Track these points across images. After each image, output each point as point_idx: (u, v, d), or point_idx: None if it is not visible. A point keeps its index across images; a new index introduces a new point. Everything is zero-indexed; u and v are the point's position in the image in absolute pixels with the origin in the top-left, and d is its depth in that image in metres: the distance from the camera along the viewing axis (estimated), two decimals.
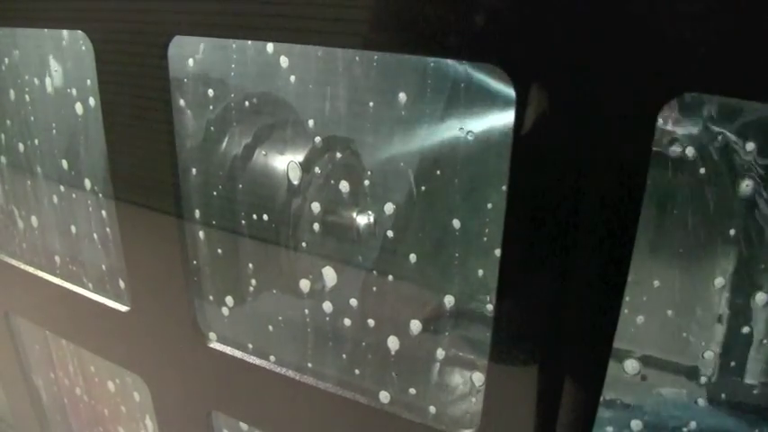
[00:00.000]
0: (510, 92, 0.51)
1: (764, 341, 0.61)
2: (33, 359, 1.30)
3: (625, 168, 0.48)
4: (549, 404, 0.59)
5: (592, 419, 0.58)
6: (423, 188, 0.70)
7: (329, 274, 0.79)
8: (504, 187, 0.55)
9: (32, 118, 1.04)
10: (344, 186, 0.75)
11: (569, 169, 0.50)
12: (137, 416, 1.20)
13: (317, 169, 0.77)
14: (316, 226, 0.78)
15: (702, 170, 0.58)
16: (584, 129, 0.48)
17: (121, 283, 0.98)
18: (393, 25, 0.55)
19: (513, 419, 0.61)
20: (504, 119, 0.61)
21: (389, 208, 0.73)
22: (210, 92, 0.81)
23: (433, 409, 0.74)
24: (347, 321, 0.79)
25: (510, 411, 0.61)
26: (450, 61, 0.64)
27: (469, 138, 0.66)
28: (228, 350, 0.80)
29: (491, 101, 0.63)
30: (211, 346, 0.81)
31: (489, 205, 0.67)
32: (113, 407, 1.25)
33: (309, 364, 0.84)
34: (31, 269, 1.05)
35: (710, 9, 0.42)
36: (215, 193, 0.84)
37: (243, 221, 0.84)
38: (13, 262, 1.08)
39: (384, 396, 0.75)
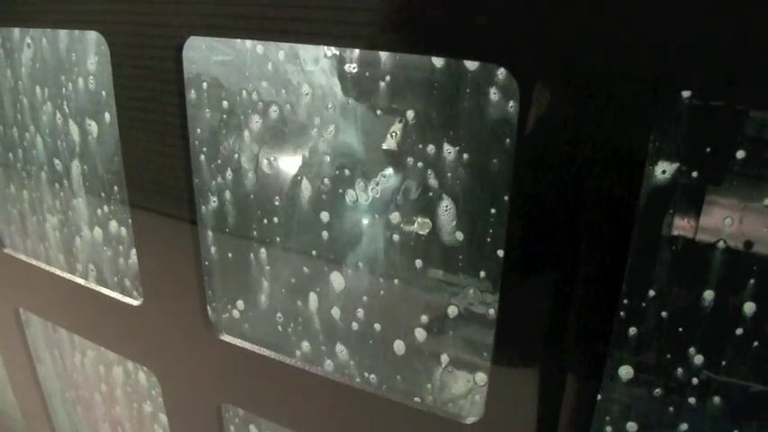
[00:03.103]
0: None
1: None
2: (43, 356, 1.32)
3: (624, 168, 0.50)
4: (549, 397, 0.61)
5: (591, 413, 0.60)
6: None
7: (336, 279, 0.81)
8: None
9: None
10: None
11: (571, 170, 0.52)
12: (146, 411, 1.22)
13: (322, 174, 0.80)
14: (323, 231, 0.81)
15: None
16: (587, 129, 0.50)
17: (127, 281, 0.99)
18: (401, 26, 0.57)
19: (516, 411, 0.63)
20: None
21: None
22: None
23: (439, 400, 0.76)
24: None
25: (512, 404, 0.63)
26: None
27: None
28: (239, 343, 0.82)
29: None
30: (222, 338, 0.83)
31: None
32: (122, 403, 1.26)
33: (319, 358, 0.86)
34: (42, 265, 1.07)
35: (710, 12, 0.44)
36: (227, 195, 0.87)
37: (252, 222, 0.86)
38: (24, 258, 1.10)
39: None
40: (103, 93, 0.95)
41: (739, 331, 0.60)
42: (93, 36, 0.93)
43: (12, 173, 1.17)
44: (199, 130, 0.85)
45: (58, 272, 1.05)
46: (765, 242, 0.58)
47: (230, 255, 0.91)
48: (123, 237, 1.04)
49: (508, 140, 0.65)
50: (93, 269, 1.12)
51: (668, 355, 0.63)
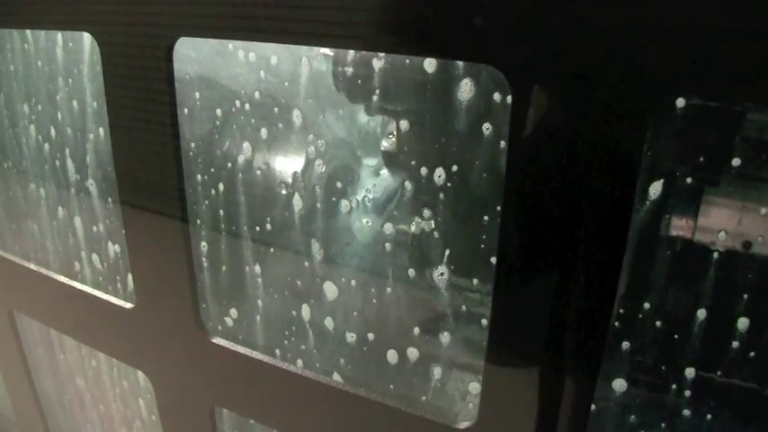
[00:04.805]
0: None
1: None
2: (37, 357, 1.32)
3: (618, 170, 0.49)
4: (542, 404, 0.60)
5: (585, 420, 0.59)
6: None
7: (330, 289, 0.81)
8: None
9: None
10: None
11: (565, 173, 0.51)
12: (139, 412, 1.22)
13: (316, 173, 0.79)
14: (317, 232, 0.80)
15: None
16: (581, 132, 0.50)
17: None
18: (392, 27, 0.56)
19: (509, 415, 0.63)
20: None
21: None
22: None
23: (432, 404, 0.76)
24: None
25: (505, 408, 0.63)
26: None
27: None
28: (232, 346, 0.81)
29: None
30: (215, 341, 0.82)
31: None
32: (116, 404, 1.26)
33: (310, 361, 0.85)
34: (35, 267, 1.07)
35: (706, 15, 0.43)
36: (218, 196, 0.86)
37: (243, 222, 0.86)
38: (17, 260, 1.09)
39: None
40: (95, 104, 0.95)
41: (737, 341, 0.59)
42: None
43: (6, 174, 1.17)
44: (189, 133, 0.84)
45: (51, 274, 1.04)
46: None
47: (223, 258, 0.90)
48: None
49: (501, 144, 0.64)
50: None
51: (663, 366, 0.63)
